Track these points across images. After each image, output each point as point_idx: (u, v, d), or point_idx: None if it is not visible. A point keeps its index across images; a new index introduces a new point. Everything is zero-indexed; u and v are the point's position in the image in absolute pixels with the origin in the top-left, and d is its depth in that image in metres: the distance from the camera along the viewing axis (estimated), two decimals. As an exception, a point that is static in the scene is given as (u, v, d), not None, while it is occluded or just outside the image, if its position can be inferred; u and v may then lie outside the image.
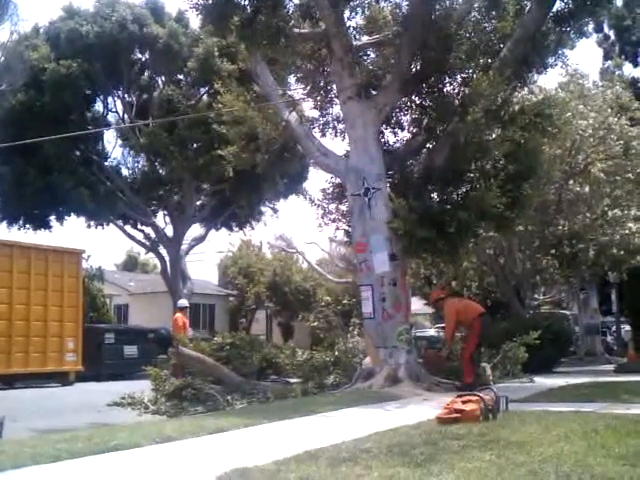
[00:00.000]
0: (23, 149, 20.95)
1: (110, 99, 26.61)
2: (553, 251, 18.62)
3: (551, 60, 13.13)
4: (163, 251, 28.29)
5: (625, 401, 8.67)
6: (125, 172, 27.96)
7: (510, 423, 6.42)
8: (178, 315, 17.24)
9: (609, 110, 18.08)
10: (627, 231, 17.63)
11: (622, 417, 6.74)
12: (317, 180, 59.17)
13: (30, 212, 25.64)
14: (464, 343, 11.40)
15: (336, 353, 12.24)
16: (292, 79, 14.61)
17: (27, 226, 26.06)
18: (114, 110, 26.97)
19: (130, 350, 19.84)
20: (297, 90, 14.65)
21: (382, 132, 13.34)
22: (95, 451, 5.44)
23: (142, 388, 11.15)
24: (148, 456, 5.38)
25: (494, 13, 12.63)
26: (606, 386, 11.26)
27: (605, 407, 8.01)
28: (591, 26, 19.42)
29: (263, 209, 29.88)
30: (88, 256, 23.87)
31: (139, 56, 25.98)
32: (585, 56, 44.74)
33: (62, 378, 16.90)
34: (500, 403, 7.25)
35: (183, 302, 18.30)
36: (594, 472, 4.18)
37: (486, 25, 12.73)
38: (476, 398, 6.88)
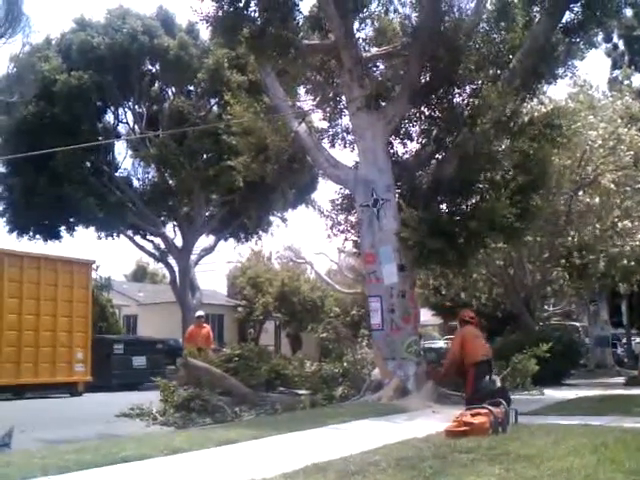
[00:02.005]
0: (34, 160, 21.05)
1: (121, 110, 26.76)
2: (563, 262, 18.52)
3: (560, 71, 13.10)
4: (172, 261, 28.35)
5: (635, 414, 8.60)
6: (135, 183, 28.07)
7: (519, 436, 6.38)
8: (191, 326, 17.20)
9: (619, 120, 18.02)
10: (637, 242, 17.53)
11: (632, 431, 6.67)
12: (326, 191, 59.40)
13: (40, 222, 25.73)
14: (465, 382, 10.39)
15: (345, 365, 12.18)
16: (301, 90, 14.67)
17: (37, 236, 26.14)
18: (125, 121, 27.13)
19: (139, 361, 19.81)
20: (306, 101, 14.70)
21: (391, 143, 13.35)
22: (103, 462, 5.45)
23: (151, 399, 11.13)
24: (156, 468, 5.38)
25: (503, 24, 12.64)
26: (616, 399, 11.19)
27: (615, 421, 7.96)
28: (600, 36, 19.43)
29: (272, 219, 29.93)
30: (97, 266, 23.91)
31: (149, 67, 26.12)
32: (593, 65, 44.65)
33: (71, 389, 16.91)
34: (509, 416, 7.21)
35: (197, 312, 18.19)
36: (604, 487, 4.15)
37: (495, 36, 12.75)
38: (485, 411, 6.84)
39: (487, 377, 10.14)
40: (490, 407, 6.94)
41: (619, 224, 17.73)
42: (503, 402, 7.35)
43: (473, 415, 6.79)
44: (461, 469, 4.85)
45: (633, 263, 17.78)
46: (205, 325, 16.71)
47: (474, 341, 10.20)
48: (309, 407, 10.44)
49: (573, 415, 8.68)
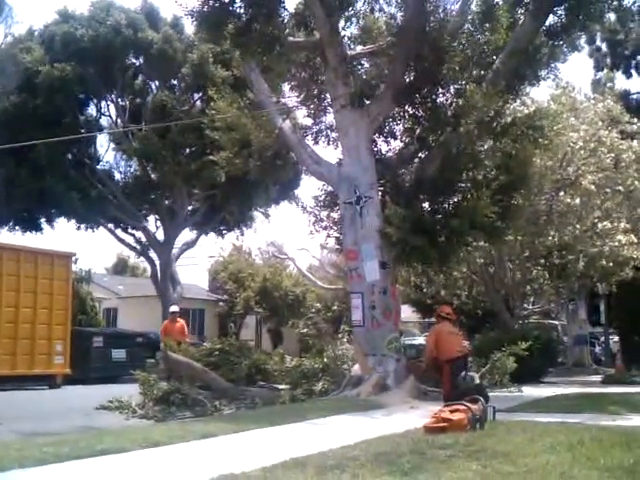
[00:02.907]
0: (15, 151, 20.79)
1: (103, 103, 26.53)
2: (543, 261, 18.69)
3: (543, 73, 13.22)
4: (153, 255, 28.22)
5: (611, 412, 8.71)
6: (117, 176, 27.87)
7: (497, 433, 6.44)
8: (165, 321, 17.38)
9: (600, 123, 18.19)
10: (616, 243, 17.71)
11: (608, 429, 6.77)
12: (309, 187, 59.62)
13: (20, 214, 25.54)
14: (442, 379, 10.47)
15: (325, 360, 12.23)
16: (286, 87, 14.71)
17: (17, 228, 25.97)
18: (107, 114, 26.90)
19: (118, 354, 19.74)
20: (291, 98, 14.73)
21: (375, 141, 13.41)
22: (82, 455, 5.43)
23: (130, 392, 11.13)
24: (135, 461, 5.38)
25: (487, 25, 12.71)
26: (593, 397, 11.31)
27: (592, 418, 8.06)
28: (583, 39, 19.56)
29: (255, 214, 29.89)
30: (76, 259, 23.73)
31: (133, 61, 25.91)
32: (576, 67, 45.03)
33: (50, 381, 16.81)
34: (487, 413, 7.28)
35: (171, 307, 18.31)
36: (579, 484, 4.21)
37: (479, 37, 12.82)
38: (464, 408, 6.91)
39: (463, 373, 10.23)
40: (468, 404, 7.01)
41: (599, 225, 17.92)
42: (481, 399, 7.42)
43: (451, 411, 6.86)
44: (439, 465, 4.90)
45: (612, 264, 17.98)
46: (179, 320, 16.86)
47: (449, 337, 10.32)
48: (289, 402, 10.49)
49: (550, 412, 8.78)
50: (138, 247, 29.10)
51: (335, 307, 31.85)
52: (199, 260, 61.63)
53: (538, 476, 4.44)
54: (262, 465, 4.89)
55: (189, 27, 24.22)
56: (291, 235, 75.92)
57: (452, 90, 12.92)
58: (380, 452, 5.44)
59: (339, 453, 5.46)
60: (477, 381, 11.14)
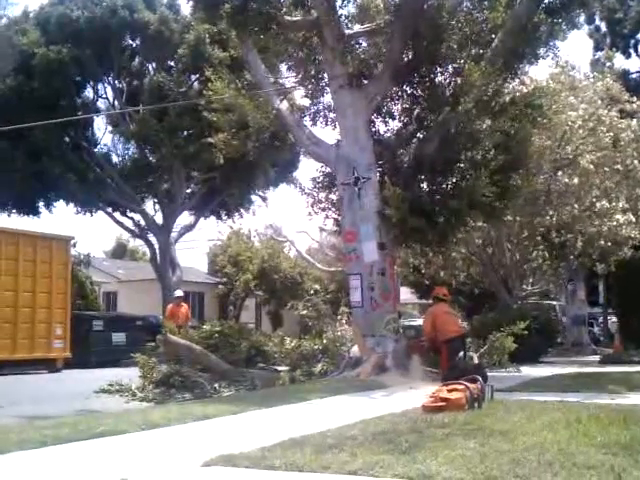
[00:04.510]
0: (12, 134, 20.75)
1: (100, 85, 26.44)
2: (541, 241, 18.67)
3: (542, 51, 13.12)
4: (152, 239, 28.22)
5: (609, 391, 8.76)
6: (115, 159, 27.82)
7: (495, 412, 6.47)
8: (169, 305, 17.57)
9: (599, 102, 18.10)
10: (615, 223, 17.67)
11: (606, 407, 6.80)
12: (308, 169, 59.80)
13: (18, 198, 25.50)
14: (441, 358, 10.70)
15: (324, 341, 12.25)
16: (283, 67, 14.59)
17: (15, 212, 25.95)
18: (104, 96, 26.82)
19: (118, 337, 19.78)
20: (288, 78, 14.63)
21: (373, 121, 13.34)
22: (81, 437, 5.45)
23: (130, 375, 11.16)
24: (134, 442, 5.40)
25: (486, 3, 12.63)
26: (591, 376, 11.36)
27: (589, 397, 8.09)
28: (582, 18, 19.41)
29: (253, 197, 29.85)
30: (75, 243, 23.71)
31: (130, 42, 25.80)
32: (576, 46, 44.81)
33: (50, 365, 16.85)
34: (486, 392, 7.31)
35: (176, 292, 18.50)
36: (576, 460, 4.22)
37: (478, 15, 12.73)
38: (462, 387, 6.93)
39: (461, 353, 10.30)
40: (467, 383, 7.03)
41: (597, 204, 17.86)
42: (479, 378, 7.45)
43: (450, 391, 6.88)
44: (437, 443, 4.91)
45: (610, 243, 17.96)
46: (183, 304, 17.09)
47: (444, 317, 10.44)
48: (288, 383, 10.51)
49: (548, 392, 8.81)
50: (137, 230, 29.08)
51: (333, 287, 31.88)
52: (198, 243, 61.59)
53: (535, 453, 4.45)
54: (261, 445, 4.90)
55: (185, 7, 24.09)
56: (290, 217, 75.98)
57: (450, 69, 12.83)
58: (378, 431, 5.46)
59: (338, 433, 5.47)
60: (476, 361, 11.19)
